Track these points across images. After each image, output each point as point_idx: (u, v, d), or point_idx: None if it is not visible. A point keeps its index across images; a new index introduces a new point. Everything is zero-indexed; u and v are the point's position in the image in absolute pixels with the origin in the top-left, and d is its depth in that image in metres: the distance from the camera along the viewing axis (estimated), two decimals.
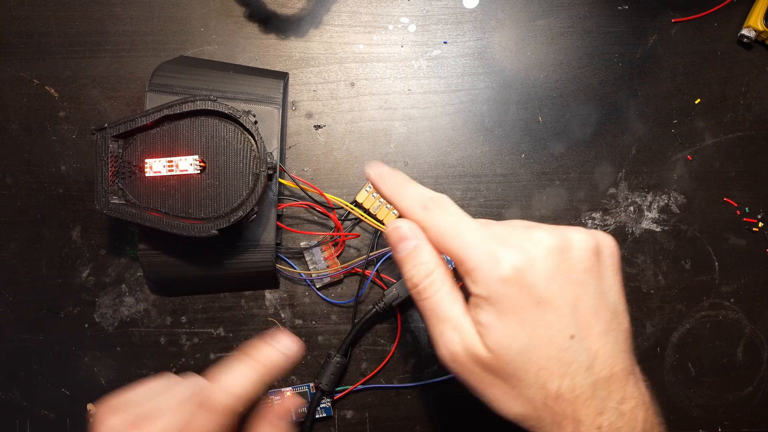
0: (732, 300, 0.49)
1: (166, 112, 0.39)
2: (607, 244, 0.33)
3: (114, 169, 0.40)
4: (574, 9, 0.50)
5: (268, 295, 0.47)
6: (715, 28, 0.50)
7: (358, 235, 0.47)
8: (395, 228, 0.34)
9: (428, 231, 0.33)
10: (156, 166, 0.40)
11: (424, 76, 0.49)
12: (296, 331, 0.47)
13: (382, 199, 0.47)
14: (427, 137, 0.49)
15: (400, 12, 0.49)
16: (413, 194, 0.34)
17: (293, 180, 0.45)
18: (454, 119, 0.49)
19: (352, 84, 0.49)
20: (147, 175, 0.40)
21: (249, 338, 0.47)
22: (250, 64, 0.48)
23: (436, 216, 0.33)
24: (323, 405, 0.46)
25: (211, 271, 0.44)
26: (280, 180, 0.45)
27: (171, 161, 0.40)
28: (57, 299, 0.47)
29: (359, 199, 0.47)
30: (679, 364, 0.49)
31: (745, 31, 0.49)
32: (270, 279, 0.46)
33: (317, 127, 0.48)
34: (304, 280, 0.47)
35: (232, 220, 0.39)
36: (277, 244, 0.45)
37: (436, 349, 0.32)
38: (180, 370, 0.47)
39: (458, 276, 0.33)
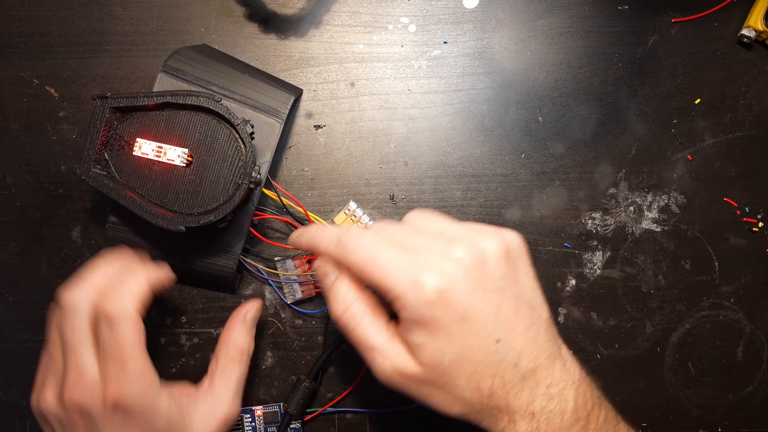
0: (732, 300, 0.49)
1: (169, 99, 0.39)
2: (515, 242, 0.36)
3: (104, 138, 0.40)
4: (574, 9, 0.50)
5: (268, 295, 0.47)
6: (715, 28, 0.50)
7: None
8: (316, 267, 0.38)
9: (348, 267, 0.35)
10: (145, 148, 0.39)
11: (424, 76, 0.49)
12: (296, 330, 0.47)
13: (360, 223, 0.47)
14: (427, 137, 0.49)
15: (400, 12, 0.49)
16: (326, 235, 0.37)
17: (277, 193, 0.45)
18: (454, 119, 0.49)
19: (352, 84, 0.49)
20: (134, 153, 0.40)
21: None
22: (251, 64, 0.48)
23: (350, 250, 0.35)
24: (293, 426, 0.46)
25: (173, 262, 0.43)
26: (265, 191, 0.44)
27: (161, 147, 0.39)
28: None
29: (337, 220, 0.47)
30: (679, 364, 0.49)
31: (745, 31, 0.49)
32: (229, 285, 0.46)
33: (317, 127, 0.48)
34: (274, 290, 0.46)
35: (202, 222, 0.39)
36: (245, 250, 0.45)
37: (374, 374, 0.35)
38: (180, 370, 0.47)
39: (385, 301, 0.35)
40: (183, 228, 0.39)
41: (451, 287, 0.33)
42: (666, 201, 0.49)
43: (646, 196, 0.49)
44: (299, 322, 0.47)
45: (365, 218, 0.47)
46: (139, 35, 0.48)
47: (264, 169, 0.43)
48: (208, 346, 0.47)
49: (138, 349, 0.37)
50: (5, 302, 0.47)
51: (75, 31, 0.48)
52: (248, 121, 0.40)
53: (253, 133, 0.40)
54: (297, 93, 0.46)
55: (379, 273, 0.33)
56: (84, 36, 0.48)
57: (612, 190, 0.49)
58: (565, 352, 0.36)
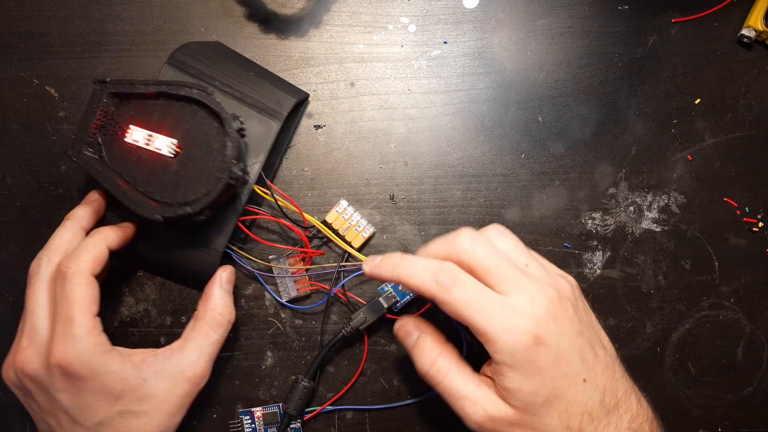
0: (732, 300, 0.49)
1: (164, 88, 0.39)
2: (578, 287, 0.39)
3: (99, 123, 0.40)
4: (574, 9, 0.50)
5: (268, 295, 0.47)
6: (715, 28, 0.50)
7: (323, 253, 0.47)
8: (401, 326, 0.40)
9: (447, 305, 0.36)
10: (136, 135, 0.39)
11: (424, 76, 0.49)
12: (296, 330, 0.47)
13: (351, 221, 0.47)
14: (427, 137, 0.49)
15: (400, 12, 0.49)
16: (419, 269, 0.37)
17: (272, 193, 0.44)
18: (454, 119, 0.49)
19: (352, 84, 0.49)
20: (126, 140, 0.40)
21: (249, 338, 0.47)
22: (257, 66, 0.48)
23: (454, 292, 0.36)
24: (293, 426, 0.46)
25: (155, 253, 0.44)
26: (261, 192, 0.44)
27: (151, 136, 0.39)
28: None
29: (329, 219, 0.47)
30: (679, 364, 0.49)
31: (745, 31, 0.49)
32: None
33: (317, 127, 0.48)
34: (266, 289, 0.47)
35: (179, 213, 0.38)
36: (239, 247, 0.44)
37: (464, 422, 0.36)
38: None
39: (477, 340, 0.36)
40: (160, 217, 0.38)
41: (544, 332, 0.34)
42: (666, 201, 0.49)
43: (646, 196, 0.49)
44: (299, 322, 0.47)
45: (356, 216, 0.47)
46: (139, 35, 0.48)
47: (256, 168, 0.42)
48: None
49: (87, 308, 0.37)
50: (5, 302, 0.47)
51: (75, 31, 0.48)
52: (238, 117, 0.40)
53: (242, 129, 0.40)
54: (300, 96, 0.46)
55: (479, 315, 0.35)
56: (84, 36, 0.48)
57: (612, 190, 0.49)
58: (637, 389, 0.38)
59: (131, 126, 0.40)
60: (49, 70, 0.48)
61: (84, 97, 0.48)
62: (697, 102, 0.50)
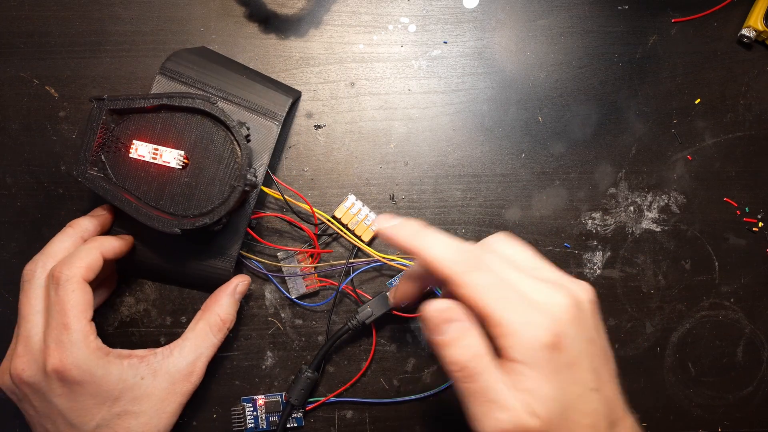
0: (732, 300, 0.49)
1: (165, 101, 0.39)
2: (594, 294, 0.35)
3: (101, 140, 0.40)
4: (574, 9, 0.50)
5: (268, 295, 0.47)
6: (715, 28, 0.50)
7: (331, 251, 0.47)
8: (441, 310, 0.33)
9: (463, 288, 0.32)
10: (141, 150, 0.40)
11: (424, 76, 0.49)
12: (296, 330, 0.47)
13: (359, 216, 0.47)
14: (427, 137, 0.49)
15: (400, 12, 0.49)
16: (442, 243, 0.33)
17: (281, 192, 0.44)
18: (454, 119, 0.49)
19: (352, 84, 0.49)
20: (131, 156, 0.40)
21: (249, 338, 0.47)
22: (250, 65, 0.48)
23: (475, 274, 0.32)
24: (295, 415, 0.46)
25: (168, 264, 0.44)
26: (268, 191, 0.44)
27: (157, 149, 0.39)
28: None
29: (337, 214, 0.47)
30: (679, 364, 0.49)
31: (745, 31, 0.49)
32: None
33: (317, 127, 0.48)
34: (277, 287, 0.46)
35: (197, 224, 0.39)
36: (246, 247, 0.44)
37: (479, 426, 0.31)
38: None
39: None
40: (178, 230, 0.39)
41: (563, 332, 0.31)
42: (666, 201, 0.49)
43: (646, 196, 0.49)
44: (299, 322, 0.47)
45: (365, 210, 0.47)
46: (139, 35, 0.48)
47: (261, 171, 0.43)
48: None
49: (81, 313, 0.37)
50: (5, 302, 0.47)
51: (75, 31, 0.48)
52: (244, 123, 0.40)
53: (249, 135, 0.40)
54: (295, 95, 0.46)
55: (497, 304, 0.31)
56: (84, 36, 0.48)
57: (612, 190, 0.49)
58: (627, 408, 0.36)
59: (135, 141, 0.40)
60: (49, 70, 0.48)
61: (84, 97, 0.48)
62: (697, 102, 0.50)
